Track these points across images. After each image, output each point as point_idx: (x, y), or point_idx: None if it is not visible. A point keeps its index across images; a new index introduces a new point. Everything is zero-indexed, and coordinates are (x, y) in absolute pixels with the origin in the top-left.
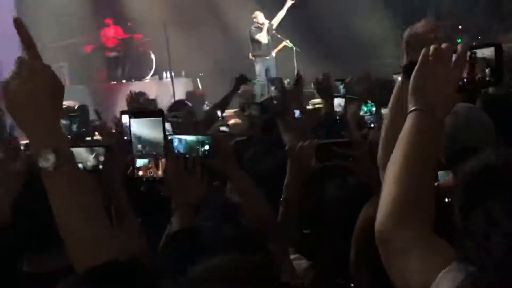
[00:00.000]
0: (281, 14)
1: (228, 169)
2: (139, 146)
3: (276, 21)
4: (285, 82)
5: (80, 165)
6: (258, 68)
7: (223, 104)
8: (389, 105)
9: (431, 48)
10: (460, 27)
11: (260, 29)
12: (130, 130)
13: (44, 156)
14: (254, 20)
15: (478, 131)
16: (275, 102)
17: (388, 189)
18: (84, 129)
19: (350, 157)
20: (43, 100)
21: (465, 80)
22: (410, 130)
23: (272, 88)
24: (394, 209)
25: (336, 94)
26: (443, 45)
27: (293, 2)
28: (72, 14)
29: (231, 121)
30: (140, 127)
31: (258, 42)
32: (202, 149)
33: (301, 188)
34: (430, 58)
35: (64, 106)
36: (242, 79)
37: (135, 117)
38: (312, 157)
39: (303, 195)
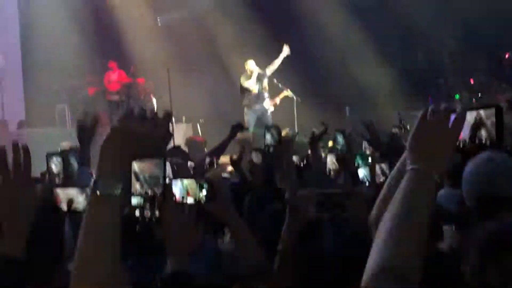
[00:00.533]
0: (276, 62)
1: (224, 214)
2: (137, 185)
3: (270, 69)
4: (287, 131)
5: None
6: (247, 118)
7: (219, 151)
8: (393, 171)
9: (429, 109)
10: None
11: (249, 77)
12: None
13: (107, 181)
14: (246, 68)
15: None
16: (270, 150)
17: (378, 245)
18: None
19: (347, 208)
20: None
21: (464, 141)
22: (406, 189)
23: (268, 136)
24: (380, 266)
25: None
26: (441, 106)
27: (289, 54)
28: (76, 55)
29: (230, 168)
30: (140, 167)
31: (248, 90)
32: (200, 194)
33: (298, 237)
34: (427, 118)
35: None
36: (239, 127)
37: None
38: (310, 207)
39: (299, 244)
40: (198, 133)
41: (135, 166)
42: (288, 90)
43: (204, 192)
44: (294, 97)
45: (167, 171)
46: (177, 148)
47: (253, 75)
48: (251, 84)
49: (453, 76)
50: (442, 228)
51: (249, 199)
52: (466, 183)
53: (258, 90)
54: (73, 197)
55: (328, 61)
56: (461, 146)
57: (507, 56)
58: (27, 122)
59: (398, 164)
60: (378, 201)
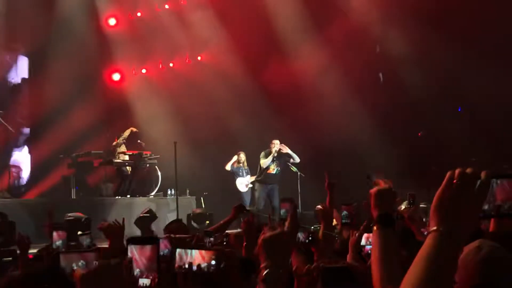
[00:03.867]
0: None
1: (232, 283)
2: (137, 270)
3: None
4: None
5: None
6: (257, 194)
7: (220, 231)
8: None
9: (456, 171)
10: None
11: (268, 155)
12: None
13: None
14: (271, 145)
15: (498, 269)
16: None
17: None
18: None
19: (354, 282)
20: None
21: (487, 207)
22: (429, 251)
23: (283, 211)
24: None
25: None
26: (468, 170)
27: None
28: (84, 129)
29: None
30: (138, 252)
31: (263, 168)
32: (206, 264)
33: None
34: (454, 181)
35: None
36: (241, 209)
37: (132, 243)
38: (318, 281)
39: None
40: (202, 205)
41: (133, 252)
42: (292, 166)
43: (213, 262)
44: (298, 172)
45: None
46: (177, 221)
47: (272, 155)
48: (267, 163)
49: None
50: None
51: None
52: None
53: (276, 172)
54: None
55: (331, 137)
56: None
57: None
58: None
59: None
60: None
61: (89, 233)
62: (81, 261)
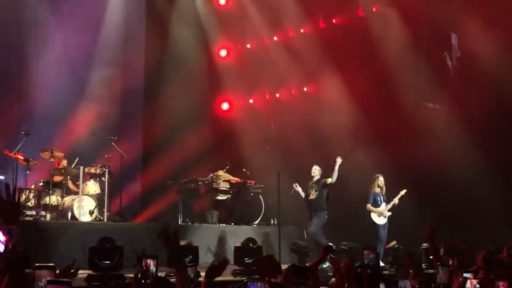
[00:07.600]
0: (334, 174)
1: None
2: None
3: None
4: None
5: None
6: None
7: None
8: None
9: None
10: None
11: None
12: None
13: None
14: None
15: None
16: (368, 271)
17: None
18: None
19: None
20: None
21: None
22: None
23: (371, 257)
24: None
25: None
26: None
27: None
28: (192, 157)
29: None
30: None
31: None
32: None
33: None
34: None
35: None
36: (330, 250)
37: None
38: None
39: None
40: (304, 236)
41: None
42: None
43: None
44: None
45: None
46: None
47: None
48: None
49: None
50: None
51: None
52: None
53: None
54: None
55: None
56: None
57: None
58: None
59: None
60: None
61: (194, 265)
62: None
